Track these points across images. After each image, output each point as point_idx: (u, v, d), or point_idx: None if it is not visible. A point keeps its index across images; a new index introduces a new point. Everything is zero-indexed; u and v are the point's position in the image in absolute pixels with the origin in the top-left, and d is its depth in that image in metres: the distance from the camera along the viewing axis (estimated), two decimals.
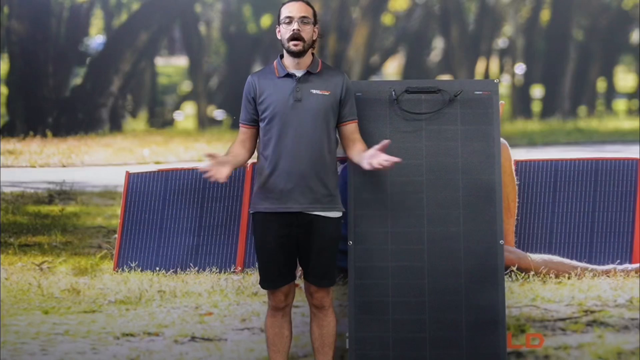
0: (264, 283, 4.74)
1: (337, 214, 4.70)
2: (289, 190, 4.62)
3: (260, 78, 4.71)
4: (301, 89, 4.64)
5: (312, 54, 4.72)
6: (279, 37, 4.69)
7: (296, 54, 4.63)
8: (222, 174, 4.54)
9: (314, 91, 4.65)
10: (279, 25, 4.68)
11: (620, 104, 6.56)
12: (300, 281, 4.85)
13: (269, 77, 4.70)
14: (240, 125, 4.77)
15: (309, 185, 4.62)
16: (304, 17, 4.61)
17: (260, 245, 4.70)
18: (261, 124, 4.70)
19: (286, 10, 4.64)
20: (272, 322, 4.77)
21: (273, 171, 4.65)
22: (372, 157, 4.57)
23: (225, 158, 4.64)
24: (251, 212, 4.77)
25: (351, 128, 4.73)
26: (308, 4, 4.68)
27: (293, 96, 4.63)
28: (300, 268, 4.78)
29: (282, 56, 4.73)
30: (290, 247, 4.68)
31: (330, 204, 4.67)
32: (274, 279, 4.71)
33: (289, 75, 4.67)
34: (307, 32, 4.62)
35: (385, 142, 4.57)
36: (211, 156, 4.57)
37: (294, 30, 4.59)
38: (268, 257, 4.69)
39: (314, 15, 4.67)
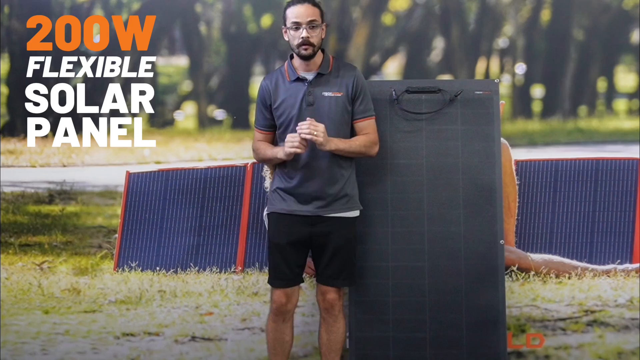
0: (273, 281, 4.70)
1: (354, 214, 4.67)
2: (306, 193, 4.59)
3: (273, 82, 4.63)
4: (313, 93, 4.58)
5: (322, 50, 4.63)
6: (286, 39, 4.59)
7: (307, 58, 4.56)
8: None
9: (326, 94, 4.59)
10: (285, 26, 4.58)
11: (620, 104, 6.56)
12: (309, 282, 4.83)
13: (280, 82, 4.62)
14: (257, 130, 4.70)
15: (324, 189, 4.58)
16: (311, 21, 4.51)
17: (273, 244, 4.67)
18: (277, 131, 4.65)
19: (292, 15, 4.53)
20: (273, 327, 4.73)
21: (290, 175, 4.62)
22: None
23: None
24: (267, 212, 4.72)
25: (362, 125, 4.64)
26: (314, 4, 4.56)
27: (305, 101, 4.58)
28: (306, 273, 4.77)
29: (291, 56, 4.64)
30: (302, 248, 4.65)
31: (348, 204, 4.63)
32: (282, 278, 4.66)
33: (299, 79, 4.60)
34: (316, 36, 4.53)
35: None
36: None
37: (302, 37, 4.50)
38: (280, 257, 4.64)
39: (321, 14, 4.56)
